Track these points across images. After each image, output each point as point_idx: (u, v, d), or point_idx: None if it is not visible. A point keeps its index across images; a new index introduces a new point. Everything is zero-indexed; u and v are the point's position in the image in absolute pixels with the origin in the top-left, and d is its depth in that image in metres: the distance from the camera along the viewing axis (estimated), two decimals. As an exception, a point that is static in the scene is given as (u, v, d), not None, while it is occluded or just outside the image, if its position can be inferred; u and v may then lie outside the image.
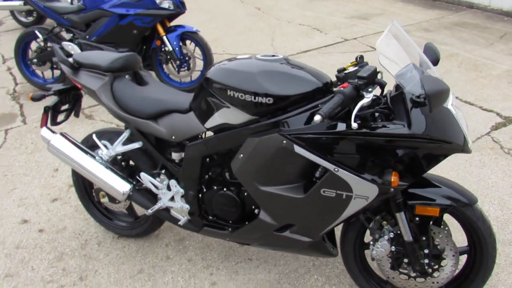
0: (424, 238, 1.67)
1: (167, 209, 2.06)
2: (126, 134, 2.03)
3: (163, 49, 3.98)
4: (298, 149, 1.57)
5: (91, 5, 3.93)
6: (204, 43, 3.97)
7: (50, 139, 2.05)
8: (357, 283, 1.91)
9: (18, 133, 3.63)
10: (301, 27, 5.84)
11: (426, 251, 1.71)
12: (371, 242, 1.75)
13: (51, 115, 2.19)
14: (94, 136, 2.08)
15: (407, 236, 1.66)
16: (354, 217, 1.72)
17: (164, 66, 4.13)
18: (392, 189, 1.53)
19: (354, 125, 1.38)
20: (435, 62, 1.77)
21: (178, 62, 3.99)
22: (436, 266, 1.72)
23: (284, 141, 1.58)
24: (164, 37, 3.91)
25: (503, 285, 1.99)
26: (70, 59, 2.09)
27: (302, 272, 2.13)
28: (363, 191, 1.55)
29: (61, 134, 2.09)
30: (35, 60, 4.25)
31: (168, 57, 3.98)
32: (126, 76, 2.06)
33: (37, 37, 4.16)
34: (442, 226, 1.75)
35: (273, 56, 1.73)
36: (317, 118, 1.35)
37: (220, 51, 5.23)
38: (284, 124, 1.60)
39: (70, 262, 2.30)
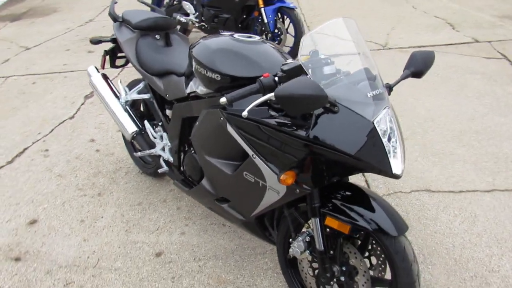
0: (332, 252, 1.58)
1: (159, 156, 2.34)
2: (141, 85, 2.36)
3: (259, 20, 4.17)
4: (229, 128, 1.63)
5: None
6: (298, 20, 4.01)
7: (92, 75, 2.51)
8: (284, 276, 1.90)
9: (128, 73, 4.37)
10: (434, 20, 5.25)
11: (344, 268, 1.61)
12: (290, 240, 1.72)
13: (110, 59, 2.64)
14: (119, 81, 2.47)
15: (319, 245, 1.58)
16: (279, 209, 1.72)
17: (260, 36, 4.32)
18: (297, 190, 1.49)
19: (244, 113, 1.39)
20: (417, 74, 1.58)
21: (270, 35, 4.14)
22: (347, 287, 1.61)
23: (221, 118, 1.66)
24: (262, 9, 4.08)
25: None
26: (120, 14, 2.47)
27: (258, 251, 2.19)
28: (274, 184, 1.55)
29: (102, 74, 2.54)
30: (163, 14, 4.93)
31: (263, 28, 4.16)
32: (156, 36, 2.35)
33: (167, -7, 4.80)
34: (378, 252, 1.61)
35: (250, 37, 1.78)
36: (222, 100, 1.40)
37: (332, 32, 5.14)
38: (227, 102, 1.67)
39: (100, 180, 2.82)
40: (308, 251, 1.66)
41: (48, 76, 4.57)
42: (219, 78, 1.67)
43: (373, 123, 1.34)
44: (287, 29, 4.17)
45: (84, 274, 2.13)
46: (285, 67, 1.43)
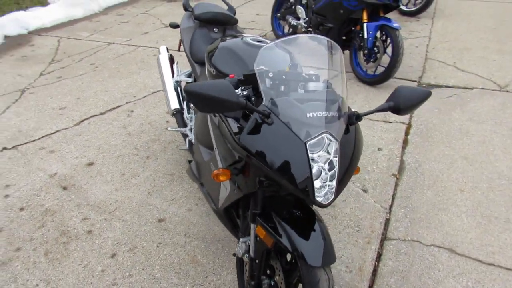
0: (256, 261, 1.57)
1: (187, 135, 2.57)
2: (189, 70, 2.61)
3: (359, 35, 4.06)
4: (208, 119, 1.75)
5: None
6: (398, 41, 3.79)
7: (161, 53, 2.86)
8: (236, 272, 1.94)
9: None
10: None
11: (272, 282, 1.60)
12: (238, 240, 1.76)
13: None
14: (175, 63, 2.76)
15: (252, 250, 1.60)
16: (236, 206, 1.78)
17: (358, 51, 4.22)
18: (235, 191, 1.54)
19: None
20: (396, 110, 1.45)
21: (367, 51, 4.00)
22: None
23: (207, 109, 1.79)
24: (365, 24, 3.97)
25: None
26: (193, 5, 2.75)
27: (232, 240, 2.26)
28: (224, 179, 1.62)
29: (170, 55, 2.86)
30: (279, 15, 5.17)
31: (362, 44, 4.04)
32: (214, 29, 2.56)
33: (288, -2, 5.02)
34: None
35: (260, 41, 1.86)
36: (185, 88, 1.53)
37: (450, 62, 4.68)
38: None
39: (155, 146, 3.20)
40: (247, 254, 1.69)
41: (168, 52, 5.23)
42: (214, 73, 1.80)
43: (305, 143, 1.31)
44: (385, 48, 3.97)
45: (100, 216, 2.50)
46: (245, 72, 1.48)
